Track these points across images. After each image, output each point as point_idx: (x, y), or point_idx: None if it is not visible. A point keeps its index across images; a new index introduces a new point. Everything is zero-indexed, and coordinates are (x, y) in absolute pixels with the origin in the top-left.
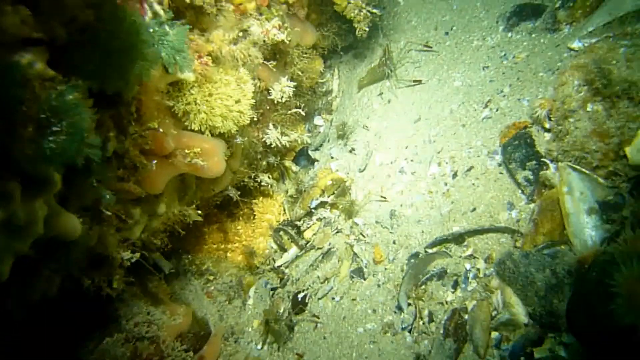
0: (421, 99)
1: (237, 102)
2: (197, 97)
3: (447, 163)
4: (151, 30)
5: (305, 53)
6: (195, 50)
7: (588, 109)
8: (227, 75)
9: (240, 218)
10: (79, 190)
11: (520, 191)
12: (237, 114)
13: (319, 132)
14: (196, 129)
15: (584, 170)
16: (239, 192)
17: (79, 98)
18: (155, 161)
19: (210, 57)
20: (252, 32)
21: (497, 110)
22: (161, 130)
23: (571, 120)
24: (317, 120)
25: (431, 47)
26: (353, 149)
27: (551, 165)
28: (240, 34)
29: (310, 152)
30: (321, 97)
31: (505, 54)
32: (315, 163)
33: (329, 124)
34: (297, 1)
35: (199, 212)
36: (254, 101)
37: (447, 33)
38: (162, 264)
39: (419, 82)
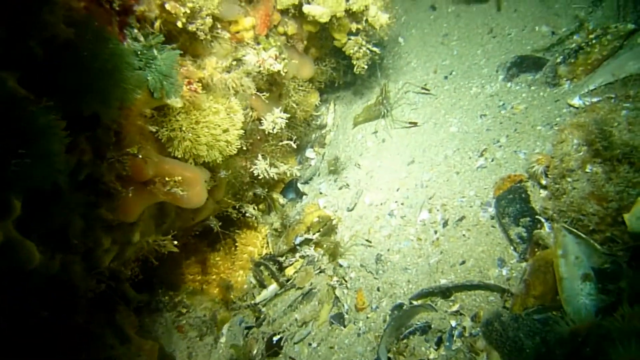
0: (416, 142)
1: (225, 131)
2: (183, 124)
3: (438, 210)
4: (139, 53)
5: (302, 86)
6: (185, 76)
7: (587, 170)
8: (217, 104)
9: (221, 249)
10: (44, 216)
11: (512, 248)
12: (224, 144)
13: (310, 165)
14: (180, 156)
15: (580, 233)
16: (220, 223)
17: (50, 120)
18: (132, 188)
19: (200, 84)
20: (248, 61)
21: (492, 160)
22: (140, 156)
23: (569, 179)
24: (309, 153)
25: (429, 90)
26: (343, 186)
27: (546, 224)
28: (235, 62)
29: (299, 185)
30: (315, 130)
31: (503, 104)
32: (304, 197)
33: (321, 158)
34: (297, 34)
35: (176, 242)
36: (244, 131)
37: (446, 77)
38: (131, 295)
39: (415, 124)
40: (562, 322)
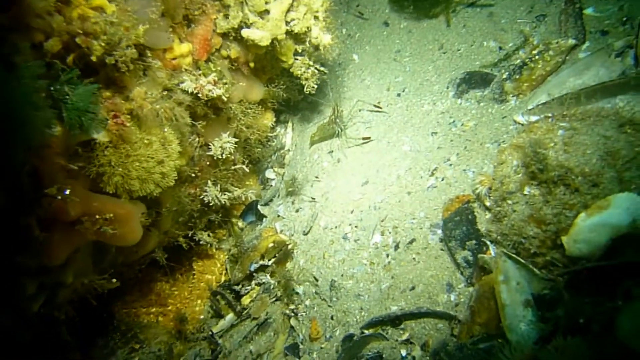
0: (370, 161)
1: (160, 163)
2: (111, 159)
3: (390, 233)
4: (52, 89)
5: (251, 108)
6: (111, 109)
7: (525, 193)
8: (150, 135)
9: (179, 277)
10: None
11: (459, 272)
12: (159, 176)
13: (271, 185)
14: (112, 191)
15: (519, 259)
16: (166, 255)
17: None
18: (56, 230)
19: (129, 116)
20: (183, 88)
21: (442, 179)
22: (59, 197)
23: (509, 202)
24: (269, 174)
25: (381, 108)
26: (299, 209)
27: (491, 247)
28: (165, 92)
29: (259, 207)
30: (274, 150)
31: (454, 121)
32: (264, 219)
33: (281, 178)
34: (241, 56)
35: (114, 280)
36: (187, 160)
37: (399, 94)
38: (67, 339)
39: (368, 139)
40: (504, 351)
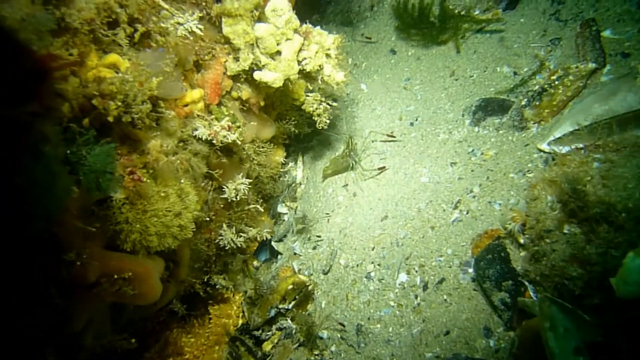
0: (387, 195)
1: (177, 215)
2: (128, 216)
3: (416, 272)
4: (68, 153)
5: (263, 147)
6: (126, 166)
7: (565, 231)
8: (166, 188)
9: (194, 322)
10: None
11: (497, 315)
12: (177, 230)
13: (284, 220)
14: (129, 249)
15: (565, 304)
16: (185, 306)
17: None
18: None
19: (145, 170)
20: (198, 135)
21: (467, 212)
22: (79, 262)
23: (547, 241)
24: (281, 209)
25: (395, 137)
26: (317, 246)
27: (530, 288)
28: (181, 143)
29: (273, 244)
30: (285, 184)
31: (473, 150)
32: (279, 256)
33: (294, 213)
34: (253, 96)
35: (133, 340)
36: (201, 206)
37: (412, 124)
38: None
39: (384, 168)
40: None
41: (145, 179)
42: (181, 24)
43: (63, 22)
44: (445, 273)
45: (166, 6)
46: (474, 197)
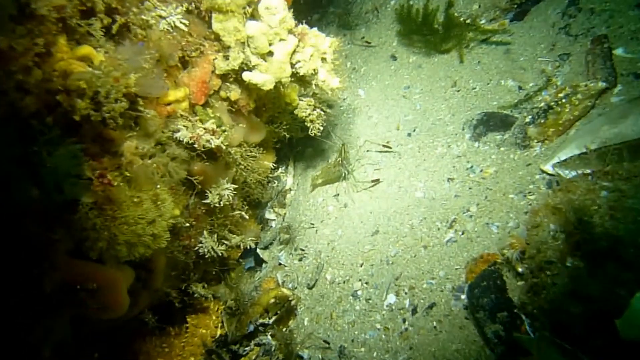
0: (380, 208)
1: (150, 223)
2: (95, 222)
3: (406, 293)
4: (30, 154)
5: (251, 151)
6: (95, 168)
7: (567, 264)
8: (140, 193)
9: (170, 330)
10: None
11: (489, 349)
12: (149, 239)
13: (271, 227)
14: (95, 257)
15: (565, 345)
16: (156, 317)
17: None
18: None
19: (117, 173)
20: (178, 138)
21: (462, 233)
22: (35, 271)
23: (548, 273)
24: (269, 215)
25: (391, 148)
26: (303, 257)
27: (526, 322)
28: (159, 146)
29: (258, 251)
30: (274, 190)
31: (472, 166)
32: (264, 264)
33: (282, 220)
34: (242, 97)
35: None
36: (176, 219)
37: (409, 134)
38: None
39: (377, 181)
40: None
41: (116, 183)
42: (164, 17)
43: (28, 8)
44: (437, 297)
45: None
46: (470, 216)
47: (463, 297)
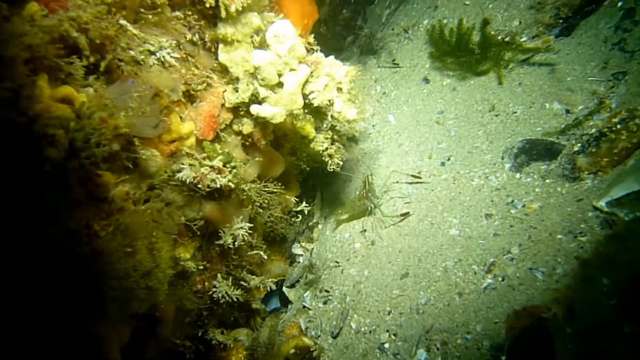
0: (410, 247)
1: (145, 275)
2: None
3: (437, 350)
4: None
5: (267, 187)
6: (80, 218)
7: (625, 330)
8: (135, 241)
9: None
10: None
11: None
12: (143, 293)
13: (299, 262)
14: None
15: None
16: None
17: None
18: None
19: (107, 222)
20: (181, 178)
21: (502, 279)
22: None
23: (601, 338)
24: (296, 249)
25: (421, 179)
26: (327, 300)
27: None
28: (154, 190)
29: (284, 289)
30: (301, 223)
31: (513, 201)
32: (289, 305)
33: (309, 255)
34: (256, 130)
35: None
36: (184, 255)
37: (443, 164)
38: None
39: (407, 214)
40: None
41: (103, 233)
42: (153, 53)
43: None
44: (473, 357)
45: (135, 32)
46: (511, 259)
47: (503, 358)
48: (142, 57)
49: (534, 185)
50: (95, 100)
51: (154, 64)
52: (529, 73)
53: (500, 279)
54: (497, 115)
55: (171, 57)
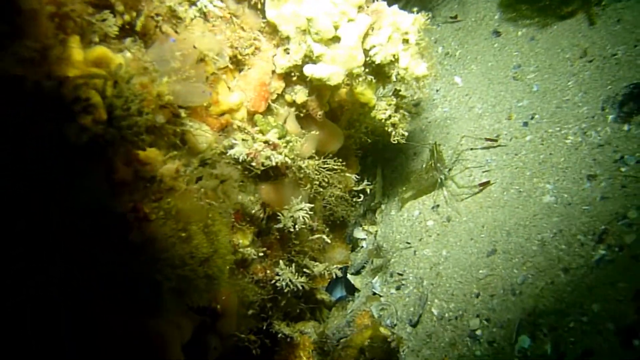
0: (495, 220)
1: (203, 262)
2: None
3: (545, 335)
4: None
5: (326, 163)
6: (127, 200)
7: None
8: (189, 225)
9: None
10: None
11: None
12: (203, 282)
13: (362, 247)
14: None
15: None
16: None
17: None
18: None
19: (156, 204)
20: (233, 155)
21: (620, 249)
22: None
23: None
24: (358, 233)
25: (498, 142)
26: (401, 285)
27: None
28: (207, 167)
29: (349, 277)
30: (362, 205)
31: (621, 157)
32: (356, 293)
33: (373, 238)
34: (311, 99)
35: None
36: (243, 242)
37: (525, 124)
38: None
39: (487, 184)
40: None
41: (154, 217)
42: (193, 3)
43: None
44: (593, 342)
45: None
46: (629, 225)
47: (637, 342)
48: (182, 9)
49: None
50: (133, 64)
51: (195, 16)
52: (629, 7)
53: (617, 249)
54: (590, 61)
55: (214, 5)
